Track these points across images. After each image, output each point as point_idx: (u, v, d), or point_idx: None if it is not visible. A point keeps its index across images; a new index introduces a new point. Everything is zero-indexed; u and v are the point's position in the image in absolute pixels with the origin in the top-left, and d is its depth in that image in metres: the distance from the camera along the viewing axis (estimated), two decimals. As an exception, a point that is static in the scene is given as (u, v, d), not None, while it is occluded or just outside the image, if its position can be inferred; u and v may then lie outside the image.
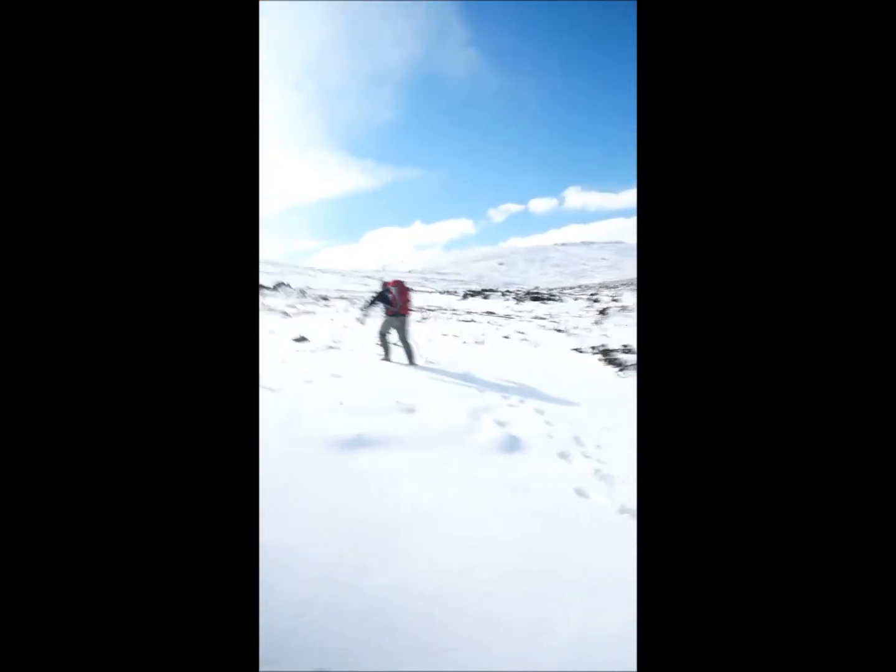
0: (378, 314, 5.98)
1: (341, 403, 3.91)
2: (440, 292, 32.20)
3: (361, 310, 5.99)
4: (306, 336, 7.28)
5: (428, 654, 1.48)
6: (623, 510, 2.50)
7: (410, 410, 3.91)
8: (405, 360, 5.91)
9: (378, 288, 6.01)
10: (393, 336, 5.93)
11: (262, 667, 1.24)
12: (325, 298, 20.58)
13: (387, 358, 5.92)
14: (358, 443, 3.10)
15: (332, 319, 10.72)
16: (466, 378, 5.28)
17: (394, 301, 5.85)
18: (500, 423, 3.77)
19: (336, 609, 1.64)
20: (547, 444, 3.46)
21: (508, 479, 2.78)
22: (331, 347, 6.52)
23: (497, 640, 1.55)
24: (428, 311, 14.80)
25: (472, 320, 11.87)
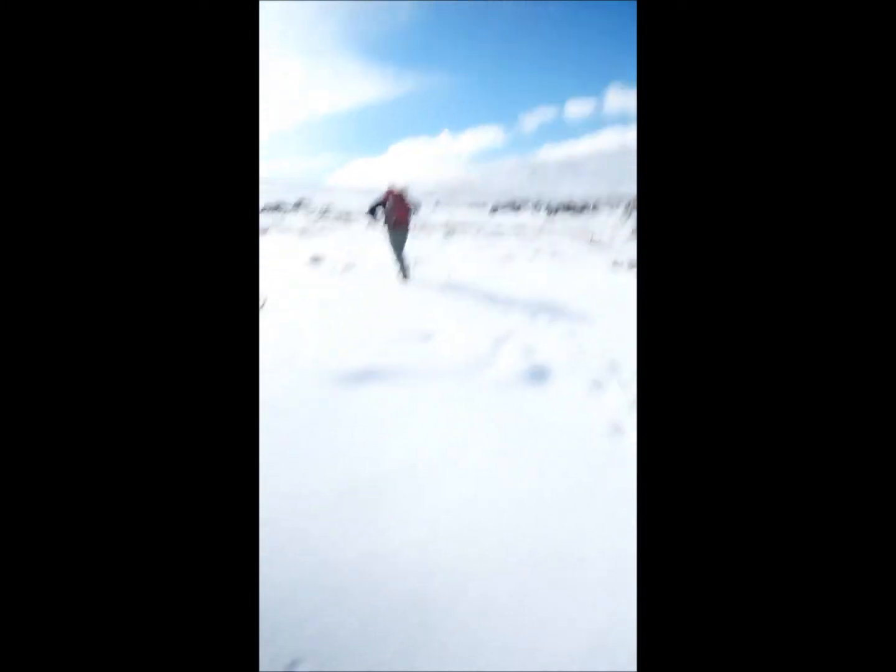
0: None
1: (353, 330, 3.61)
2: (468, 206, 30.96)
3: (368, 215, 5.80)
4: (321, 256, 6.94)
5: (413, 648, 1.25)
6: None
7: (426, 338, 3.59)
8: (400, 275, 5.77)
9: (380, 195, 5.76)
10: (392, 250, 5.76)
11: (262, 667, 1.21)
12: (347, 215, 20.03)
13: (404, 275, 5.73)
14: (365, 376, 2.83)
15: (351, 237, 10.29)
16: (491, 299, 4.90)
17: (388, 214, 5.58)
18: (526, 350, 3.42)
19: (309, 586, 1.40)
20: (578, 371, 3.12)
21: (530, 416, 2.46)
22: (347, 269, 6.18)
23: (494, 633, 1.30)
24: (452, 227, 14.17)
25: (500, 234, 11.26)
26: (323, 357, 3.08)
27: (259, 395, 2.18)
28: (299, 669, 1.21)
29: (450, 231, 12.07)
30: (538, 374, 3.03)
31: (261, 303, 4.21)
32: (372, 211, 5.71)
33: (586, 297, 5.18)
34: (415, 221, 5.29)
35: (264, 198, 42.06)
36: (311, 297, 4.56)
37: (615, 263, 7.14)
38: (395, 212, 5.58)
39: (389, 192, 5.60)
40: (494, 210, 21.41)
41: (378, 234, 5.76)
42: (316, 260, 6.70)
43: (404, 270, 5.74)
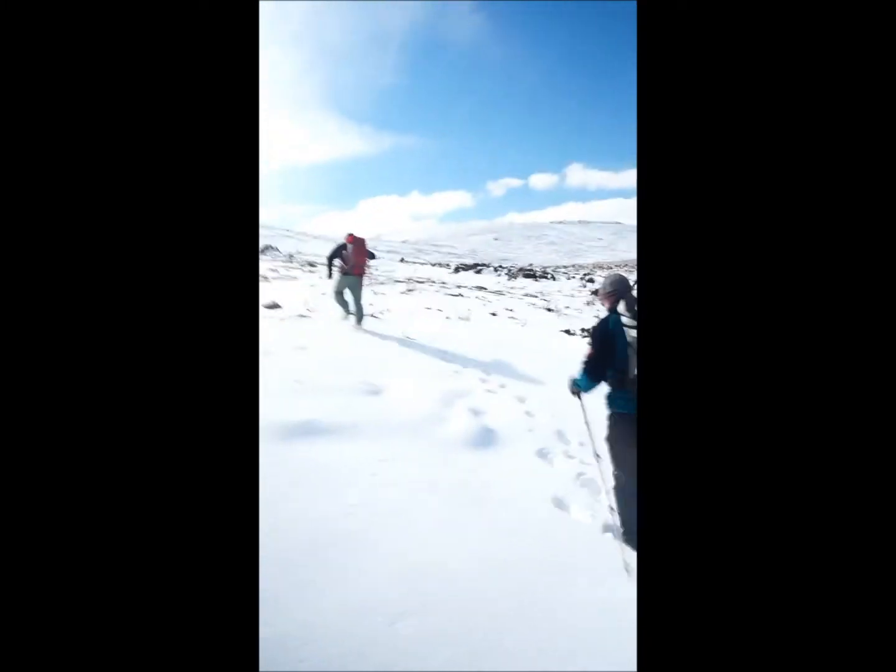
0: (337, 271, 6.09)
1: (299, 381, 3.49)
2: (431, 264, 31.62)
3: (327, 268, 6.16)
4: (279, 303, 6.83)
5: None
6: (607, 529, 2.13)
7: (376, 392, 3.51)
8: (353, 321, 5.98)
9: (340, 242, 6.04)
10: (348, 295, 6.02)
11: (262, 667, 1.21)
12: (311, 264, 20.00)
13: (346, 318, 6.00)
14: (307, 430, 2.71)
15: (312, 286, 10.23)
16: (445, 357, 4.89)
17: (346, 259, 5.84)
18: (475, 412, 3.39)
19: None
20: (525, 438, 3.09)
21: (473, 483, 2.40)
22: (302, 316, 6.09)
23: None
24: (416, 284, 14.35)
25: (461, 295, 11.47)
26: (263, 409, 2.94)
27: (259, 454, 2.16)
28: (299, 669, 1.23)
29: (411, 287, 12.19)
30: (486, 438, 2.98)
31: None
32: (332, 257, 5.99)
33: (539, 361, 5.25)
34: (370, 271, 5.56)
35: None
36: (261, 345, 4.42)
37: (570, 332, 7.32)
38: (354, 257, 5.81)
39: (350, 240, 5.85)
40: (457, 270, 21.88)
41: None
42: (272, 307, 6.59)
43: (359, 315, 5.90)
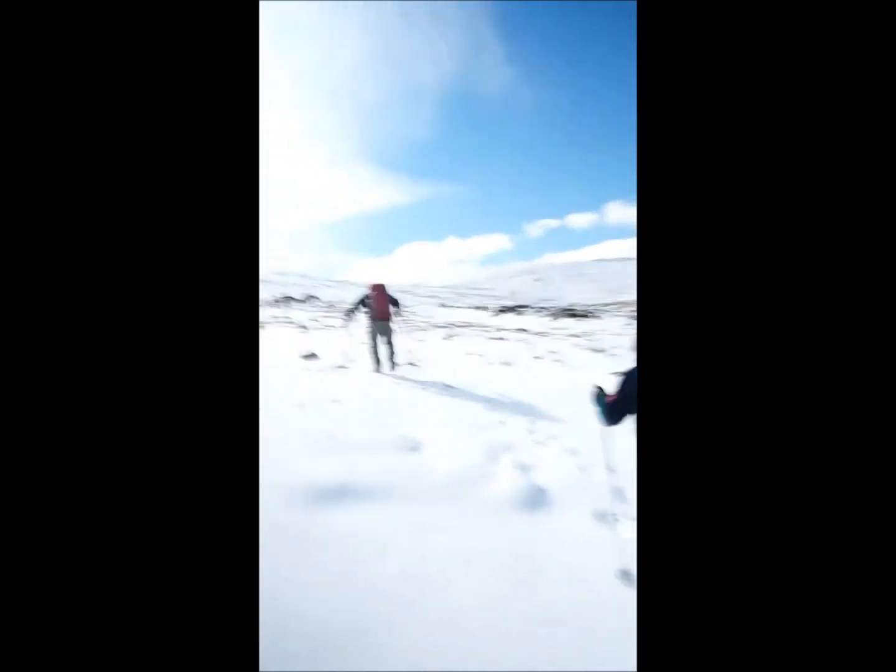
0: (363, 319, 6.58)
1: (332, 437, 3.33)
2: (471, 308, 31.68)
3: (344, 315, 6.53)
4: (316, 353, 6.80)
5: None
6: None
7: (414, 448, 3.30)
8: (387, 365, 6.15)
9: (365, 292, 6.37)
10: (380, 342, 6.24)
11: (262, 667, 1.25)
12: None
13: (377, 369, 6.11)
14: (340, 493, 2.51)
15: (351, 335, 10.28)
16: (488, 405, 4.65)
17: (370, 306, 6.13)
18: (523, 468, 3.12)
19: None
20: (580, 498, 2.79)
21: (525, 553, 2.12)
22: (340, 367, 6.01)
23: None
24: (456, 329, 14.25)
25: (502, 338, 11.25)
26: (294, 466, 2.78)
27: (259, 457, 2.08)
28: (299, 669, 1.27)
29: (451, 332, 12.08)
30: (537, 499, 2.70)
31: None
32: (353, 308, 6.27)
33: (589, 407, 4.92)
34: (397, 313, 6.33)
35: (274, 290, 43.46)
36: (290, 399, 4.32)
37: (618, 373, 6.96)
38: (377, 304, 6.10)
39: (372, 287, 6.16)
40: (497, 313, 21.76)
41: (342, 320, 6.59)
42: (309, 357, 6.56)
43: (390, 356, 6.12)
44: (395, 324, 6.66)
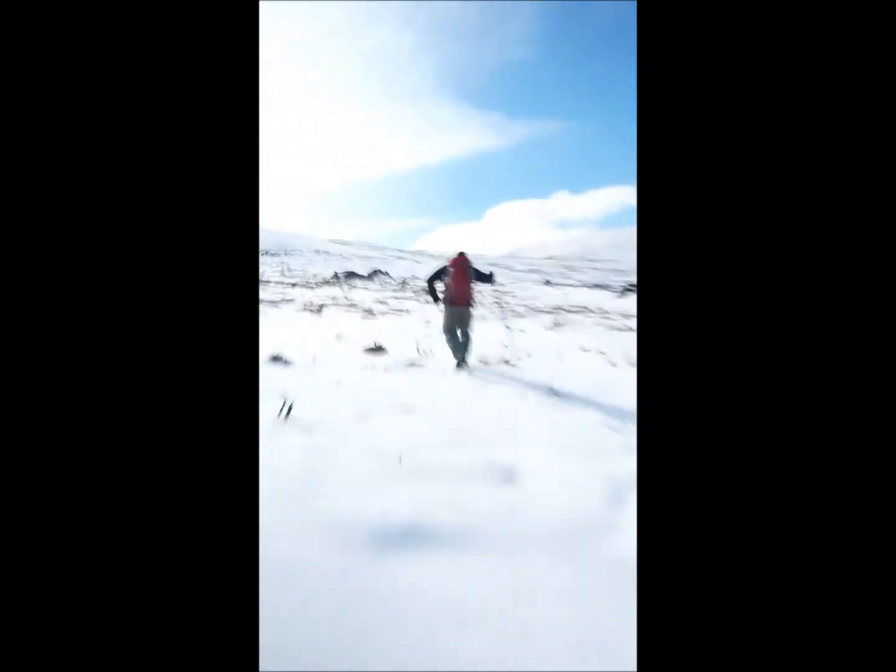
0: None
1: (401, 460, 3.29)
2: (587, 287, 31.06)
3: (427, 292, 6.83)
4: (384, 345, 6.88)
5: None
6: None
7: (508, 478, 3.19)
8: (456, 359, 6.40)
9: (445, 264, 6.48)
10: (457, 332, 6.42)
11: (262, 667, 1.47)
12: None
13: (459, 364, 6.31)
14: (409, 537, 2.46)
15: (428, 322, 10.36)
16: (610, 422, 4.44)
17: (447, 286, 6.27)
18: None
19: None
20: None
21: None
22: (413, 364, 6.02)
23: None
24: (565, 314, 13.98)
25: (630, 328, 10.86)
26: (352, 499, 2.76)
27: (259, 455, 2.71)
28: (299, 669, 1.48)
29: (559, 320, 11.85)
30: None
31: (282, 411, 4.05)
32: (431, 281, 6.55)
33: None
34: (482, 296, 6.47)
35: (336, 265, 45.09)
36: (350, 407, 4.35)
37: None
38: (454, 285, 6.22)
39: (453, 262, 6.27)
40: (624, 293, 21.21)
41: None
42: (375, 351, 6.64)
43: (464, 357, 6.32)
44: (476, 309, 6.76)
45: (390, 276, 26.37)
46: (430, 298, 6.84)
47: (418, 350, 6.83)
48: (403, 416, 4.19)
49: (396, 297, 16.58)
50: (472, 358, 6.18)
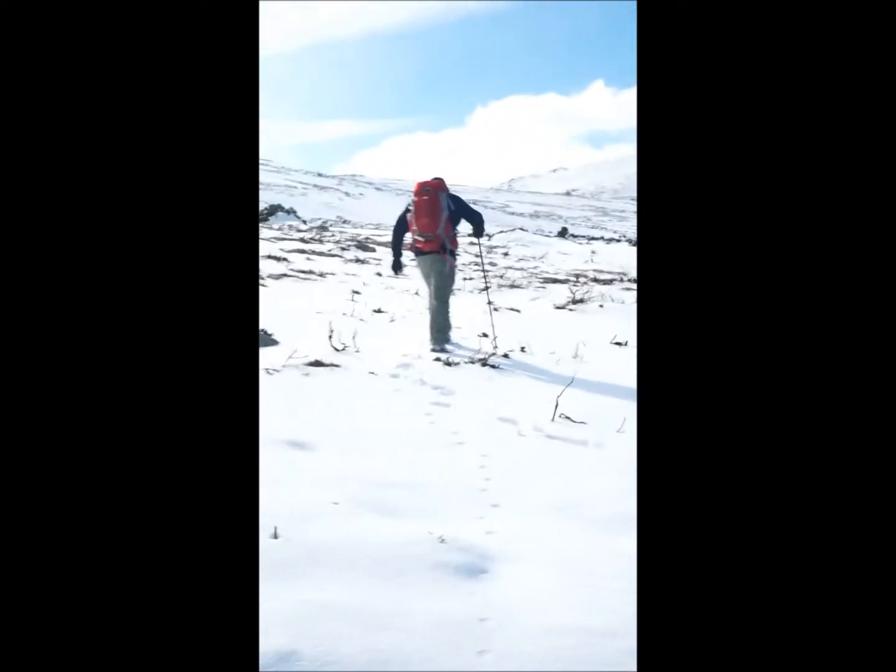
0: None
1: (276, 535, 3.05)
2: (629, 241, 31.43)
3: (392, 252, 7.79)
4: (274, 335, 6.67)
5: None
6: None
7: (477, 571, 2.97)
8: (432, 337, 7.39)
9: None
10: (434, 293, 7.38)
11: (262, 667, 2.04)
12: (364, 246, 20.57)
13: (435, 340, 7.35)
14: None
15: (356, 292, 10.30)
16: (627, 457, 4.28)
17: (410, 225, 7.15)
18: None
19: None
20: None
21: None
22: (319, 364, 5.83)
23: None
24: (589, 286, 13.98)
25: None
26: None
27: (259, 453, 3.96)
28: (299, 669, 2.11)
29: (580, 294, 11.82)
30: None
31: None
32: (397, 232, 7.54)
33: None
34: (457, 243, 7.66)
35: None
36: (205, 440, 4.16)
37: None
38: (417, 221, 7.06)
39: (418, 188, 7.11)
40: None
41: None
42: (262, 344, 6.42)
43: (438, 332, 7.31)
44: (458, 258, 7.92)
45: (298, 217, 26.23)
46: (398, 259, 7.61)
47: (333, 340, 6.61)
48: (293, 453, 3.99)
49: (307, 252, 16.42)
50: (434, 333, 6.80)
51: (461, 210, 7.02)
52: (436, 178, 7.12)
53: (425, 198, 6.94)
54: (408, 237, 7.46)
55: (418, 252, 7.15)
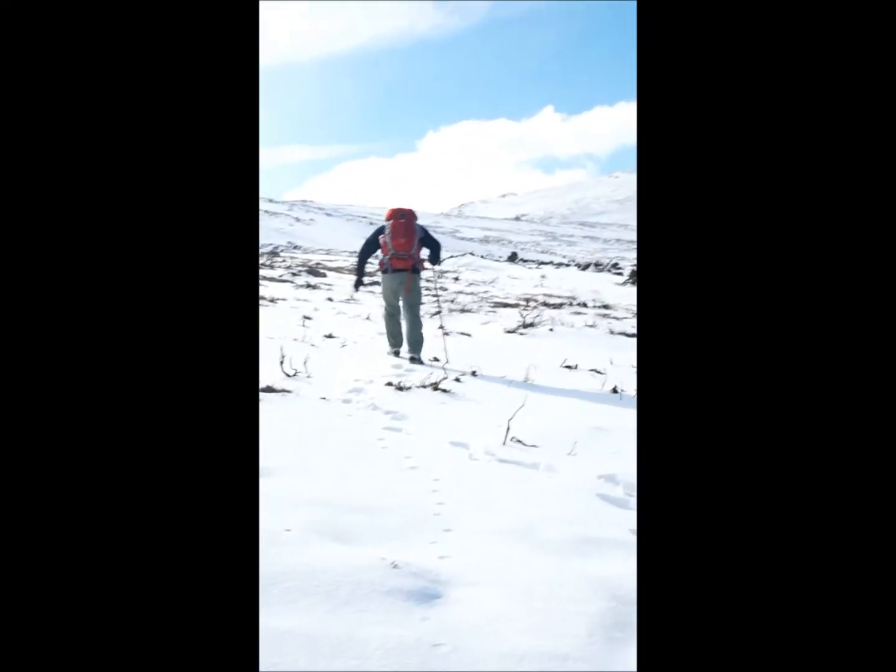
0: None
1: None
2: (578, 265, 31.70)
3: (355, 271, 8.62)
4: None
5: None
6: None
7: (430, 596, 2.93)
8: (406, 352, 8.18)
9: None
10: (403, 311, 8.07)
11: (262, 667, 2.04)
12: (315, 271, 20.54)
13: (394, 351, 8.26)
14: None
15: (307, 318, 10.27)
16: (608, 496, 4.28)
17: (383, 247, 7.85)
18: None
19: None
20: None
21: None
22: (274, 390, 5.76)
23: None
24: (544, 310, 14.04)
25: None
26: None
27: (258, 452, 4.39)
28: (298, 669, 2.17)
29: (532, 318, 11.86)
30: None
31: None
32: (363, 254, 8.36)
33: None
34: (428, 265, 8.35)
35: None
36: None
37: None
38: (394, 241, 7.67)
39: (390, 214, 7.80)
40: (634, 276, 21.73)
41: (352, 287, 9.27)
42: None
43: (413, 342, 7.99)
44: (424, 280, 8.61)
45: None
46: (361, 272, 8.52)
47: (284, 365, 6.57)
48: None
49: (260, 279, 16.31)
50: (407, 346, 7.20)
51: (426, 238, 7.83)
52: (404, 209, 7.83)
53: (402, 221, 7.67)
54: (375, 257, 8.33)
55: (393, 269, 7.75)
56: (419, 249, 7.87)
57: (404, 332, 8.09)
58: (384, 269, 7.86)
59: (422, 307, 8.63)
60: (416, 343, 7.90)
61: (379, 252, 8.02)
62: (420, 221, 8.14)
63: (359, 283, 8.57)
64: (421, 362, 7.86)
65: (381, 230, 7.88)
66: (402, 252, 7.66)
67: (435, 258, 8.13)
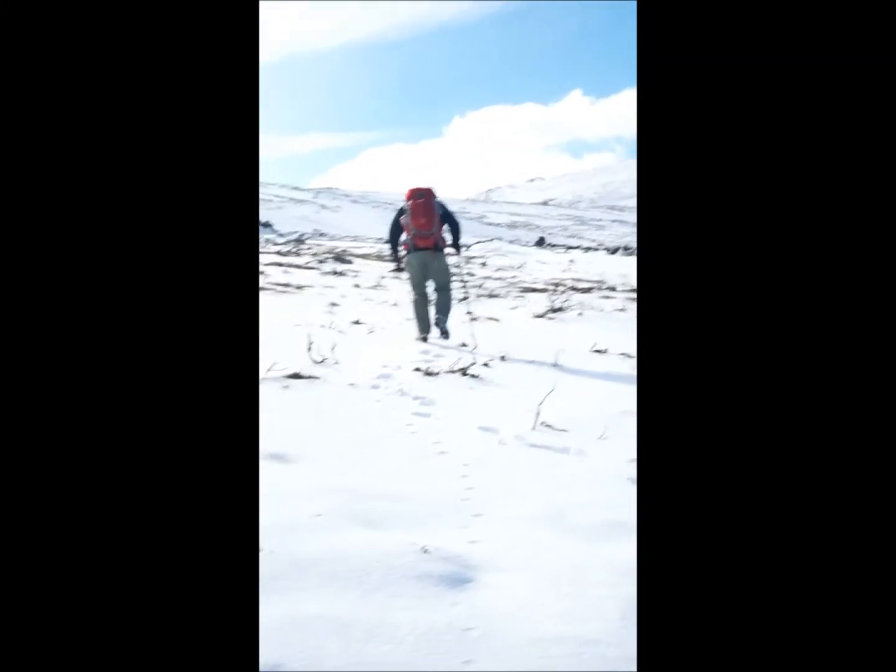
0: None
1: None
2: (607, 249, 31.44)
3: (390, 255, 8.73)
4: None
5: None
6: None
7: (463, 581, 2.93)
8: (433, 330, 8.36)
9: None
10: (430, 289, 8.26)
11: (262, 667, 2.02)
12: (342, 258, 20.48)
13: (422, 337, 8.29)
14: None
15: (333, 304, 10.22)
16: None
17: (406, 228, 8.00)
18: None
19: None
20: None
21: None
22: (297, 377, 5.76)
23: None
24: (568, 294, 13.95)
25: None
26: None
27: (259, 451, 4.01)
28: (298, 669, 2.15)
29: (560, 303, 11.78)
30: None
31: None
32: (392, 233, 8.35)
33: None
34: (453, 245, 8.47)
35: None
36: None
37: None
38: (414, 221, 7.85)
39: (409, 195, 7.96)
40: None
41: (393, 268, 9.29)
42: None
43: (441, 318, 8.24)
44: (451, 258, 8.64)
45: (275, 230, 26.13)
46: (396, 252, 8.53)
47: (311, 352, 6.56)
48: (273, 465, 3.94)
49: (283, 266, 16.33)
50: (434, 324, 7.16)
51: (446, 215, 7.94)
52: (423, 188, 7.98)
53: (420, 201, 7.81)
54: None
55: (416, 249, 7.94)
56: (440, 227, 8.02)
57: (432, 310, 8.26)
58: (408, 249, 8.02)
59: (448, 276, 8.79)
60: (444, 307, 8.20)
61: (403, 234, 8.16)
62: (447, 207, 8.25)
63: (396, 260, 8.58)
64: (447, 333, 8.24)
65: (401, 212, 8.06)
66: (423, 231, 7.82)
67: (456, 241, 8.27)
